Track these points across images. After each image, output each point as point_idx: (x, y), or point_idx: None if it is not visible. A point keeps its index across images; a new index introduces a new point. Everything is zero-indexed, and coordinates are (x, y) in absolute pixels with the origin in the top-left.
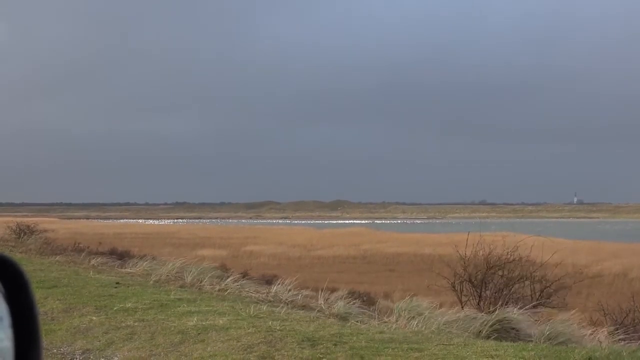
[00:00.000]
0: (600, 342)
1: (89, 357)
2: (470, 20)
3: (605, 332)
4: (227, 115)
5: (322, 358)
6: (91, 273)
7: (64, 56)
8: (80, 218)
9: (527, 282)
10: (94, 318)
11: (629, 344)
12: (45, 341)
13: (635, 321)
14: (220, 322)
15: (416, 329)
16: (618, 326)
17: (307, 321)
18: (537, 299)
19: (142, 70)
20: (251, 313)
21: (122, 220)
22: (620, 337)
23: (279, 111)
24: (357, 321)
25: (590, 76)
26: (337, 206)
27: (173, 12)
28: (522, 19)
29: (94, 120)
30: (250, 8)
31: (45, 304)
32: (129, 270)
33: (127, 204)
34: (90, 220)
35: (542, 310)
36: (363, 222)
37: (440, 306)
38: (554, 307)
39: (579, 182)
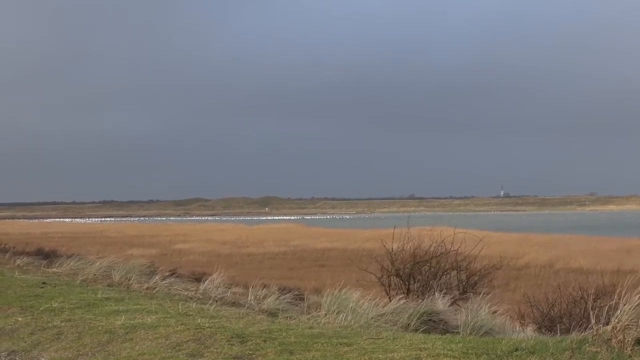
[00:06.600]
0: (527, 333)
1: (15, 359)
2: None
3: (532, 323)
4: (157, 114)
5: (252, 354)
6: (16, 273)
7: None
8: (5, 218)
9: (453, 273)
10: (20, 319)
11: (555, 334)
12: None
13: (561, 312)
14: (149, 320)
15: (345, 323)
16: (544, 317)
17: (236, 318)
18: (464, 288)
19: (78, 66)
20: (180, 311)
21: (49, 220)
22: (547, 327)
23: (216, 107)
24: (286, 317)
25: (518, 74)
26: (267, 202)
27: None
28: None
29: (21, 117)
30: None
31: None
32: (55, 269)
33: (54, 202)
34: (16, 220)
35: (470, 300)
36: (293, 218)
37: (370, 300)
38: (480, 294)
39: (505, 176)
